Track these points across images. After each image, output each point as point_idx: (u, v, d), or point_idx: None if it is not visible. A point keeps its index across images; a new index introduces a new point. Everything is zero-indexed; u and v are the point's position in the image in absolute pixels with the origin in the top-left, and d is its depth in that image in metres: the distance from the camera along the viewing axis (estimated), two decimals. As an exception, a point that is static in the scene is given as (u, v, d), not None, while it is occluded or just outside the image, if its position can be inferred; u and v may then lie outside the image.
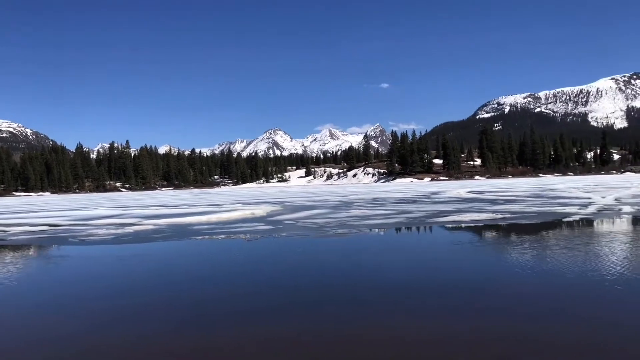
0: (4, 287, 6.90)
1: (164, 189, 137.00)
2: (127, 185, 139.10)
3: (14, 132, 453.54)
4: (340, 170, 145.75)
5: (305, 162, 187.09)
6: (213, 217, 17.15)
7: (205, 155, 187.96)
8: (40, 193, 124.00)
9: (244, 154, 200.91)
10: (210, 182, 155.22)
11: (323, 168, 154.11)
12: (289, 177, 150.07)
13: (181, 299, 5.73)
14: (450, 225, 12.65)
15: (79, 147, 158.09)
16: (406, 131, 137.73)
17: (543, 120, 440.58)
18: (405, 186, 67.62)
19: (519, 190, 34.38)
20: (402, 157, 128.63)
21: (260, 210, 19.71)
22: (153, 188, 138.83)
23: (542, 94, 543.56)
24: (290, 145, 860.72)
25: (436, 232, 11.97)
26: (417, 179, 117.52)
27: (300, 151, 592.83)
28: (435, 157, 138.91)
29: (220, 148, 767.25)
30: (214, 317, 4.93)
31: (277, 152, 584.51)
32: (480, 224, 12.62)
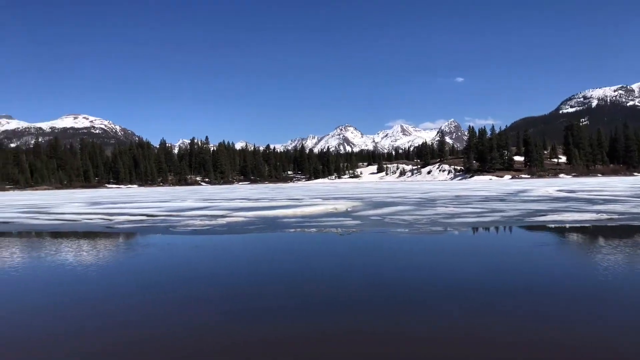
0: (116, 270, 7.36)
1: (240, 183, 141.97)
2: (207, 179, 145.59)
3: (105, 128, 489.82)
4: (414, 167, 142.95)
5: (376, 159, 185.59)
6: (298, 211, 17.37)
7: (278, 151, 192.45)
8: (129, 185, 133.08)
9: (315, 150, 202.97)
10: (284, 177, 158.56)
11: (396, 164, 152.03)
12: (361, 173, 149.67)
13: (285, 290, 5.75)
14: (553, 225, 11.84)
15: (163, 143, 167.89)
16: (484, 126, 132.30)
17: (637, 115, 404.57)
18: (486, 184, 64.89)
19: (616, 189, 31.71)
20: (480, 154, 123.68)
21: (342, 206, 19.69)
22: (231, 182, 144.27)
23: (635, 87, 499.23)
24: (360, 142, 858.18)
25: (541, 232, 11.24)
26: (497, 176, 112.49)
27: (370, 147, 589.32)
28: (516, 154, 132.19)
29: (293, 144, 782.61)
30: (317, 309, 4.89)
31: (348, 148, 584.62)
32: (586, 224, 11.70)
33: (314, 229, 11.74)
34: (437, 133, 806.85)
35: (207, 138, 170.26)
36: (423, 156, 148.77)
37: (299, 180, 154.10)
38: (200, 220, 14.90)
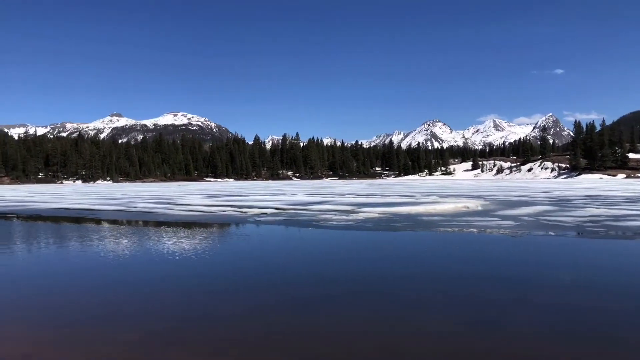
0: (272, 256, 7.19)
1: (330, 178, 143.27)
2: (297, 174, 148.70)
3: (202, 125, 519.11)
4: (513, 164, 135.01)
5: (468, 155, 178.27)
6: (429, 208, 16.62)
7: (365, 146, 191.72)
8: (226, 179, 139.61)
9: (402, 146, 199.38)
10: (372, 173, 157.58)
11: (492, 161, 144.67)
12: (454, 170, 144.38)
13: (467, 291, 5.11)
14: None
15: (256, 139, 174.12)
16: (593, 121, 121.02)
17: None
18: (604, 183, 59.19)
19: None
20: (589, 150, 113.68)
21: (471, 204, 18.60)
22: (320, 177, 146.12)
23: None
24: (449, 137, 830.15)
25: None
26: (608, 175, 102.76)
27: (460, 143, 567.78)
28: (630, 151, 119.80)
29: (378, 140, 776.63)
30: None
31: (436, 144, 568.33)
32: None
33: (474, 229, 10.97)
34: (534, 128, 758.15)
35: (297, 134, 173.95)
36: (524, 153, 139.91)
37: (387, 176, 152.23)
38: (335, 215, 14.71)
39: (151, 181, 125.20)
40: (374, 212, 15.25)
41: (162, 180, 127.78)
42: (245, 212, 16.51)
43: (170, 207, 19.96)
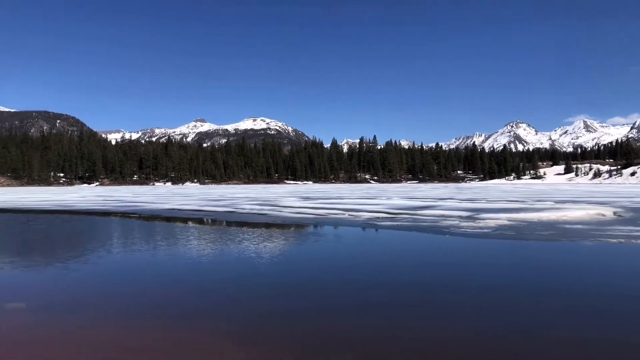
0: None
1: (408, 182, 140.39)
2: (375, 177, 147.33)
3: (279, 129, 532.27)
4: (612, 168, 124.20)
5: (557, 158, 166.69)
6: (559, 215, 15.10)
7: (445, 149, 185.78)
8: (305, 182, 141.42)
9: (484, 148, 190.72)
10: (454, 177, 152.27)
11: (587, 165, 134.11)
12: (545, 174, 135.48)
13: None
14: None
15: (334, 142, 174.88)
16: None
17: None
18: None
19: None
20: None
21: (604, 211, 16.75)
22: (399, 180, 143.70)
23: None
24: (534, 139, 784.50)
25: None
26: None
27: (546, 145, 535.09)
28: None
29: (457, 142, 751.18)
30: None
31: (520, 147, 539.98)
32: None
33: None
34: (631, 129, 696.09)
35: (375, 137, 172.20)
36: (623, 155, 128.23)
37: (470, 180, 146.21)
38: (459, 221, 13.75)
39: (235, 183, 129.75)
40: (500, 219, 14.09)
41: (245, 183, 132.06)
42: (358, 216, 16.00)
43: (276, 209, 19.98)
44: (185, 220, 16.86)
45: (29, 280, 6.96)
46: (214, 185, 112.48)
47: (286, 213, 18.05)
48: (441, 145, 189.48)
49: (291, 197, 33.22)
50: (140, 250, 9.73)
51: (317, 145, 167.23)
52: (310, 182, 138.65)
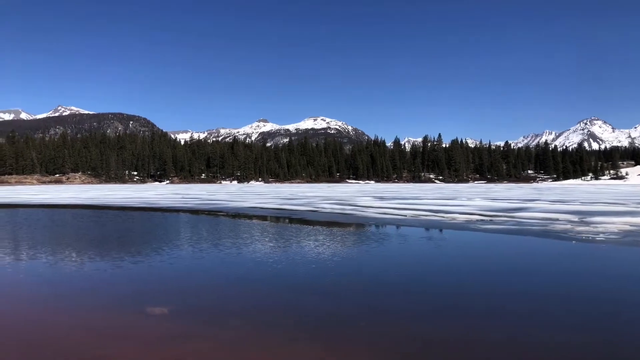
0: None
1: (476, 182, 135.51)
2: (440, 177, 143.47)
3: (339, 129, 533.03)
4: None
5: (638, 157, 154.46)
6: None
7: (513, 148, 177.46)
8: (367, 181, 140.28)
9: (552, 147, 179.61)
10: (524, 176, 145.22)
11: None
12: (627, 174, 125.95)
13: None
14: None
15: (396, 141, 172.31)
16: None
17: None
18: None
19: None
20: None
21: None
22: (466, 180, 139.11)
23: None
24: (611, 137, 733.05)
25: None
26: None
27: (625, 143, 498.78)
28: None
29: (525, 141, 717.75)
30: None
31: (594, 145, 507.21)
32: None
33: None
34: None
35: (439, 136, 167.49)
36: None
37: (542, 180, 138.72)
38: (577, 226, 12.54)
39: (298, 182, 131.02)
40: (615, 223, 12.73)
41: (307, 182, 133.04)
42: (453, 218, 15.12)
43: (358, 209, 19.46)
44: (277, 219, 16.69)
45: (167, 278, 6.84)
46: (278, 184, 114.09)
47: (370, 213, 17.47)
48: (510, 144, 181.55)
49: (364, 196, 32.60)
50: (257, 250, 9.51)
51: (379, 144, 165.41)
52: (372, 182, 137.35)
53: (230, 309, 5.27)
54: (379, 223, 14.30)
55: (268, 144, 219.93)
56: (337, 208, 20.16)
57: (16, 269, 7.82)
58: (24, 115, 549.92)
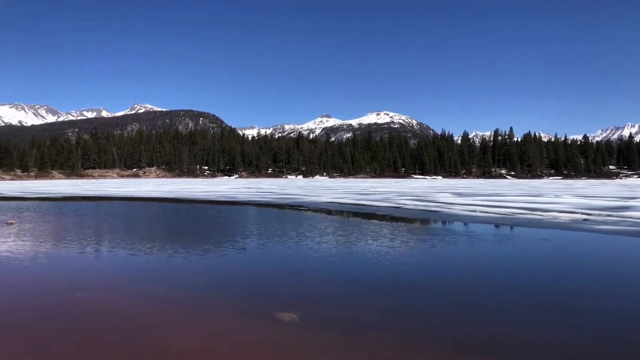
0: None
1: (551, 177, 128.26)
2: (512, 173, 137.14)
3: (403, 123, 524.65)
4: None
5: None
6: None
7: (592, 142, 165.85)
8: (434, 176, 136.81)
9: (636, 140, 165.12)
10: (605, 172, 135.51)
11: None
12: None
13: None
14: None
15: (465, 135, 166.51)
16: None
17: None
18: None
19: None
20: None
21: None
22: (540, 176, 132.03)
23: None
24: None
25: None
26: None
27: None
28: None
29: (604, 134, 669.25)
30: None
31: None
32: None
33: None
34: None
35: (511, 129, 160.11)
36: None
37: (626, 176, 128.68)
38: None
39: (362, 177, 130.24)
40: None
41: (372, 177, 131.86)
42: (553, 217, 14.04)
43: (441, 206, 18.69)
44: (365, 215, 16.33)
45: (285, 278, 6.70)
46: (342, 179, 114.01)
47: (459, 211, 16.68)
48: (587, 137, 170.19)
49: (440, 192, 31.51)
50: (365, 250, 9.23)
51: (446, 138, 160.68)
52: (439, 177, 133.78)
53: (363, 317, 4.94)
54: (477, 222, 13.52)
55: (331, 139, 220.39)
56: (419, 205, 19.49)
57: (133, 263, 7.99)
58: (104, 113, 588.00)
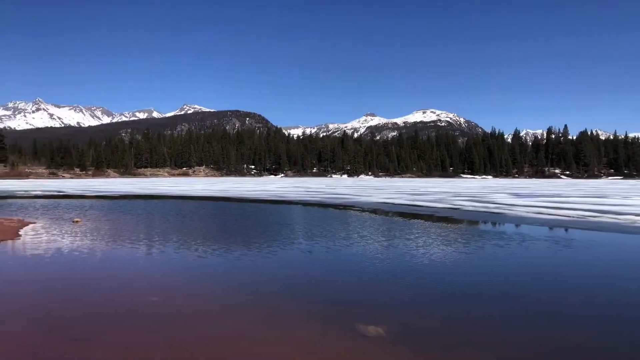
0: None
1: (610, 177, 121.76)
2: (567, 172, 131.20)
3: (450, 121, 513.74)
4: None
5: None
6: None
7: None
8: (484, 176, 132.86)
9: None
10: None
11: None
12: None
13: None
14: None
15: (516, 133, 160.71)
16: None
17: None
18: None
19: None
20: None
21: None
22: (597, 176, 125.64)
23: None
24: None
25: None
26: None
27: None
28: None
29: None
30: None
31: None
32: None
33: None
34: None
35: (565, 127, 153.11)
36: None
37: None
38: None
39: (409, 176, 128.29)
40: None
41: (418, 176, 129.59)
42: (632, 221, 13.02)
43: (503, 207, 17.84)
44: (427, 217, 15.78)
45: (362, 286, 6.41)
46: (389, 178, 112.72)
47: (523, 213, 15.83)
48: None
49: (496, 193, 30.31)
50: (444, 256, 8.82)
51: (496, 136, 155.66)
52: (489, 177, 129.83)
53: (456, 332, 4.55)
54: (548, 225, 12.70)
55: (376, 138, 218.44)
56: (478, 206, 18.70)
57: (202, 265, 7.92)
58: (155, 114, 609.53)
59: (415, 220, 14.35)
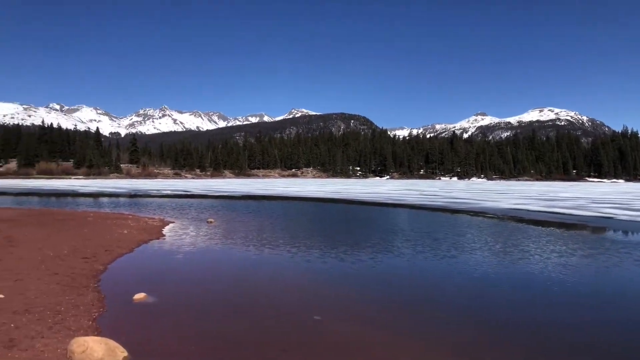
0: None
1: None
2: None
3: (571, 120, 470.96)
4: None
5: None
6: None
7: None
8: (613, 180, 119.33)
9: None
10: None
11: None
12: None
13: None
14: None
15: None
16: None
17: None
18: None
19: None
20: None
21: None
22: None
23: None
24: None
25: None
26: None
27: None
28: None
29: None
30: None
31: None
32: None
33: None
34: None
35: None
36: None
37: None
38: None
39: (526, 179, 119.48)
40: None
41: (537, 179, 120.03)
42: None
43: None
44: (582, 228, 13.98)
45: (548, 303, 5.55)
46: (504, 181, 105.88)
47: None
48: None
49: (644, 200, 26.51)
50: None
51: (629, 136, 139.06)
52: (620, 181, 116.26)
53: None
54: None
55: (487, 139, 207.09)
56: (634, 215, 16.26)
57: (345, 273, 7.51)
58: (266, 118, 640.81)
59: (576, 232, 12.61)
